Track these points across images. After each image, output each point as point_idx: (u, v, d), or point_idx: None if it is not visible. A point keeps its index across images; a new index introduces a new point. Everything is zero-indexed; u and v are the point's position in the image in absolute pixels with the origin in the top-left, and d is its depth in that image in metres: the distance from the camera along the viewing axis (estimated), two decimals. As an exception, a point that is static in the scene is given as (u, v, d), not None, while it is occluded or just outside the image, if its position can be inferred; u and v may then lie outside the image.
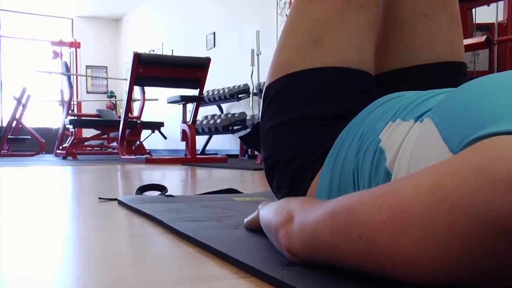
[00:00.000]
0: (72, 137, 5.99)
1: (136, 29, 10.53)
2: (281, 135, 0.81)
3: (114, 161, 4.75)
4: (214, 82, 6.70)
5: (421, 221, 0.38)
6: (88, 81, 10.99)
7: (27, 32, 9.94)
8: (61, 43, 7.60)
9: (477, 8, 3.02)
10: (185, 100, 4.67)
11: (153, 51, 9.17)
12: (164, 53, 8.30)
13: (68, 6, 10.22)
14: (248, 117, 6.03)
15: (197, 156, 4.69)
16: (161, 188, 1.49)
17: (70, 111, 6.96)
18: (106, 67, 11.25)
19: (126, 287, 0.53)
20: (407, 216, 0.40)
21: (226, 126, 6.24)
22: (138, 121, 5.91)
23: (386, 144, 0.62)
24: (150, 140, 6.98)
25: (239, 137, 1.05)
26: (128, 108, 4.90)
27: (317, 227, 0.49)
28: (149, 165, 4.02)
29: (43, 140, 7.14)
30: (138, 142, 5.90)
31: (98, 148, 7.38)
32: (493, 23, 3.05)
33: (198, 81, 4.74)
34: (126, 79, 5.85)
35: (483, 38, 2.62)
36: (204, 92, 5.78)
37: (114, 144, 6.65)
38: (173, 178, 2.52)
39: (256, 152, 5.29)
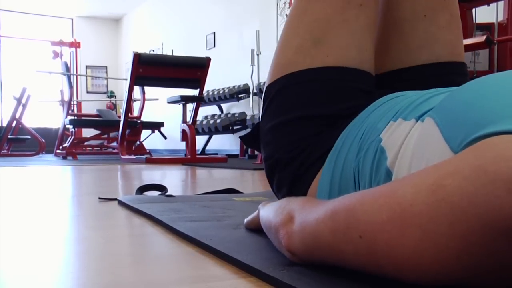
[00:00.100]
0: (72, 137, 5.99)
1: (136, 29, 10.53)
2: (282, 135, 0.81)
3: (114, 161, 4.75)
4: (214, 82, 6.70)
5: (422, 221, 0.38)
6: (88, 81, 10.99)
7: (27, 32, 9.94)
8: (61, 43, 7.60)
9: (477, 8, 3.02)
10: (185, 100, 4.67)
11: (153, 51, 9.17)
12: (164, 53, 8.30)
13: (68, 6, 10.22)
14: (248, 117, 6.03)
15: (197, 156, 4.69)
16: (161, 188, 1.49)
17: (70, 111, 6.96)
18: (106, 67, 11.25)
19: (126, 287, 0.53)
20: (408, 216, 0.40)
21: (226, 126, 6.24)
22: (138, 121, 5.91)
23: (387, 144, 0.62)
24: (150, 140, 6.98)
25: (239, 137, 1.05)
26: (128, 108, 4.90)
27: (318, 227, 0.49)
28: (149, 165, 4.02)
29: (43, 140, 7.14)
30: (138, 142, 5.90)
31: (98, 148, 7.38)
32: (493, 23, 3.04)
33: (198, 81, 4.74)
34: (126, 79, 5.85)
35: (483, 38, 2.62)
36: (204, 92, 5.77)
37: (114, 144, 6.65)
38: (173, 178, 2.52)
39: (256, 152, 5.29)
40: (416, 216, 0.39)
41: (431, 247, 0.38)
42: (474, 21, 3.02)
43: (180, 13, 8.72)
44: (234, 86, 6.52)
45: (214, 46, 7.57)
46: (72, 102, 7.20)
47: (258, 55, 5.79)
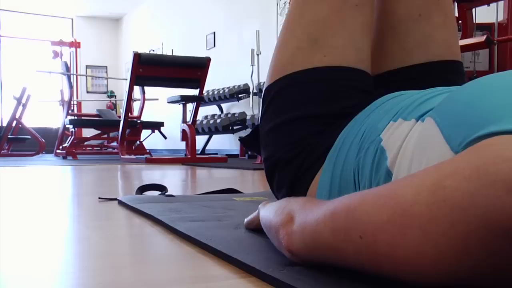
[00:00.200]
0: (72, 137, 5.98)
1: (136, 29, 10.53)
2: (281, 135, 0.81)
3: (114, 161, 4.75)
4: (214, 82, 6.70)
5: (422, 222, 0.38)
6: (88, 81, 10.99)
7: (27, 32, 9.94)
8: (61, 43, 7.59)
9: (477, 8, 3.02)
10: (185, 100, 4.67)
11: (153, 51, 9.17)
12: (164, 53, 8.30)
13: (68, 6, 10.22)
14: (248, 117, 6.03)
15: (197, 156, 4.69)
16: (161, 188, 1.49)
17: (70, 111, 6.96)
18: (106, 67, 11.24)
19: (126, 287, 0.53)
20: (408, 216, 0.40)
21: (226, 126, 6.24)
22: (138, 121, 5.91)
23: (387, 144, 0.62)
24: (150, 140, 6.97)
25: (239, 139, 1.06)
26: (128, 108, 4.89)
27: (318, 227, 0.49)
28: (149, 165, 4.01)
29: (43, 140, 7.14)
30: (138, 142, 5.89)
31: (98, 148, 7.38)
32: (493, 23, 3.04)
33: (198, 81, 4.74)
34: (126, 79, 5.84)
35: (483, 38, 2.62)
36: (204, 92, 5.77)
37: (114, 144, 6.65)
38: (173, 178, 2.52)
39: (256, 152, 5.28)
40: (416, 217, 0.39)
41: (431, 247, 0.38)
42: (474, 21, 3.02)
43: (180, 13, 8.72)
44: (234, 86, 6.52)
45: (214, 46, 7.57)
46: (72, 102, 7.19)
47: (258, 55, 5.78)
